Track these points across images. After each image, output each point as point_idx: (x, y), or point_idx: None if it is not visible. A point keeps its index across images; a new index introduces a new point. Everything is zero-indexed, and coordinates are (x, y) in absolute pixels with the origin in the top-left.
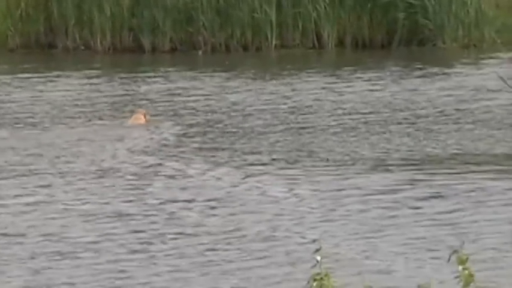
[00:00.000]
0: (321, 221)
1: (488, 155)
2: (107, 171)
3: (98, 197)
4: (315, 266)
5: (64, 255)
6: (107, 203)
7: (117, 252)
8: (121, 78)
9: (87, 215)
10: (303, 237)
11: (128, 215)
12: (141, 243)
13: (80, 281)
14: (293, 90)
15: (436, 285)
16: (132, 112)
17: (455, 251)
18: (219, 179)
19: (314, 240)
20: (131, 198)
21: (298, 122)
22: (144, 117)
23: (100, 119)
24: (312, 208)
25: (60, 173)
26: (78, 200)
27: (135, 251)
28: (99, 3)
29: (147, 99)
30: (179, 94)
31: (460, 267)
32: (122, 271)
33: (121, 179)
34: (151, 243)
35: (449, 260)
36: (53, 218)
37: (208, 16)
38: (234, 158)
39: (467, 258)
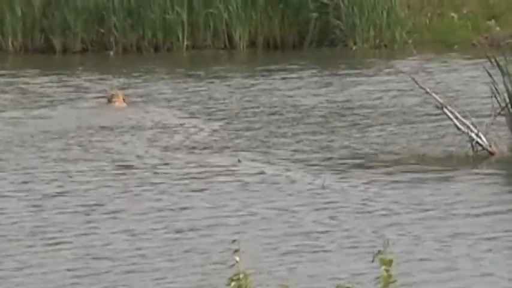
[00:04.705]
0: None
1: (391, 152)
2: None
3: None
4: (233, 266)
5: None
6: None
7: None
8: (32, 78)
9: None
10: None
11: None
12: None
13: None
14: (199, 90)
15: (356, 286)
16: (105, 93)
17: (379, 252)
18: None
19: (233, 241)
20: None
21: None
22: (123, 99)
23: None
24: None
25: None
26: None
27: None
28: (10, 4)
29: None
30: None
31: (383, 268)
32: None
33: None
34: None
35: (373, 260)
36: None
37: (119, 17)
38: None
39: (391, 260)
